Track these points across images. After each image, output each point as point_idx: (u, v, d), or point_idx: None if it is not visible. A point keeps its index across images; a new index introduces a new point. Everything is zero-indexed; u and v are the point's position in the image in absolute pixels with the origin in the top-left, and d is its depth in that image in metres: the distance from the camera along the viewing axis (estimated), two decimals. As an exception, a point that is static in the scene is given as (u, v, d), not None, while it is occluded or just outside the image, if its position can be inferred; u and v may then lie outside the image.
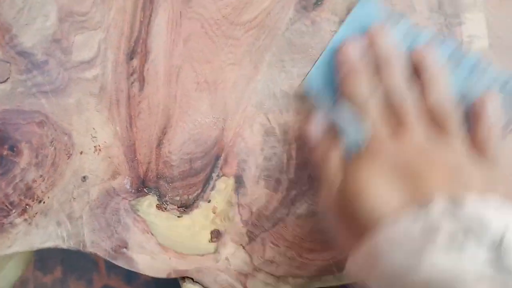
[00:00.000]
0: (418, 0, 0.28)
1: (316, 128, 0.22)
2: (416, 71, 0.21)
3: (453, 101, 0.20)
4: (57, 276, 0.95)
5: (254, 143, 0.25)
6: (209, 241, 0.24)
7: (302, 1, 0.26)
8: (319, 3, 0.26)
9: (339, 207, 0.20)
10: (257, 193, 0.24)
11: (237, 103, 0.25)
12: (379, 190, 0.19)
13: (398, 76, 0.20)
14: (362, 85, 0.21)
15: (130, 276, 0.94)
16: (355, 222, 0.19)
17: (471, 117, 0.20)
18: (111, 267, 0.97)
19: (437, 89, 0.20)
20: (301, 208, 0.25)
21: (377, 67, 0.21)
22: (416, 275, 0.16)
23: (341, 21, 0.28)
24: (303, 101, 0.26)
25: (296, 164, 0.25)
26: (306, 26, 0.26)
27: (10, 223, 0.24)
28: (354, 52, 0.21)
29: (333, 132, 0.22)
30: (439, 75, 0.20)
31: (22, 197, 0.24)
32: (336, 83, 0.22)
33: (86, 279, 0.96)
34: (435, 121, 0.20)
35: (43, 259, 0.98)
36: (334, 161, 0.21)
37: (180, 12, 0.25)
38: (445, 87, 0.20)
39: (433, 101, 0.20)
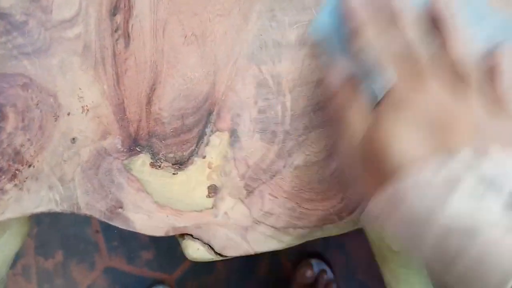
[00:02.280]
0: None
1: (335, 76, 0.24)
2: (435, 23, 0.20)
3: (475, 55, 0.22)
4: (58, 260, 0.95)
5: (247, 96, 0.25)
6: (207, 197, 0.24)
7: None
8: None
9: (364, 153, 0.22)
10: (253, 146, 0.24)
11: (228, 55, 0.25)
12: (406, 138, 0.20)
13: (416, 27, 0.22)
14: (379, 36, 0.22)
15: (131, 256, 0.95)
16: (380, 168, 0.20)
17: (492, 71, 0.19)
18: (112, 249, 0.98)
19: (457, 42, 0.21)
20: (298, 159, 0.25)
21: (392, 17, 0.22)
22: (435, 221, 0.18)
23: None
24: (311, 48, 0.25)
25: (291, 115, 0.25)
26: (296, -28, 0.25)
27: (1, 189, 0.24)
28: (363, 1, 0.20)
29: (352, 80, 0.23)
30: (459, 27, 0.20)
31: (11, 162, 0.24)
32: (346, 30, 0.21)
33: (88, 261, 0.96)
34: (456, 74, 0.21)
35: (43, 244, 0.98)
36: (356, 109, 0.22)
37: (163, -38, 0.24)
38: (466, 39, 0.20)
39: (454, 54, 0.21)
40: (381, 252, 0.43)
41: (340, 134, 0.23)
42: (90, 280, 0.88)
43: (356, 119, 0.22)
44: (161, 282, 0.89)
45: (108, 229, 0.87)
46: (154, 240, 0.87)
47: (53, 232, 0.89)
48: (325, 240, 0.91)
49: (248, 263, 0.88)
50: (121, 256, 0.90)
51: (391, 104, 0.21)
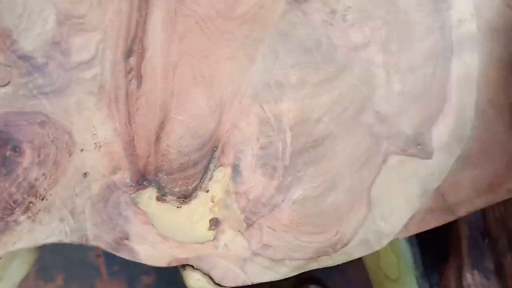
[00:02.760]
0: (406, -13, 0.29)
1: None
2: None
3: None
4: (59, 284, 0.95)
5: (250, 133, 0.26)
6: (208, 229, 0.26)
7: (292, -6, 0.28)
8: (309, -5, 0.28)
9: None
10: (254, 180, 0.26)
11: (233, 95, 0.27)
12: None
13: None
14: None
15: (132, 281, 0.95)
16: None
17: None
18: (113, 273, 0.98)
19: None
20: (297, 193, 0.26)
21: None
22: None
23: (332, 11, 0.29)
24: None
25: (291, 152, 0.27)
26: (297, 17, 0.28)
27: (15, 221, 0.25)
28: None
29: None
30: None
31: (26, 196, 0.25)
32: None
33: (88, 286, 0.96)
34: None
35: (45, 268, 0.98)
36: None
37: (175, 9, 0.27)
38: None
39: None
40: (377, 279, 0.43)
41: None
42: (90, 305, 0.88)
43: None
44: (160, 308, 0.88)
45: (109, 254, 0.88)
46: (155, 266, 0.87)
47: (55, 256, 0.89)
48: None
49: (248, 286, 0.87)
50: (121, 281, 0.90)
51: None
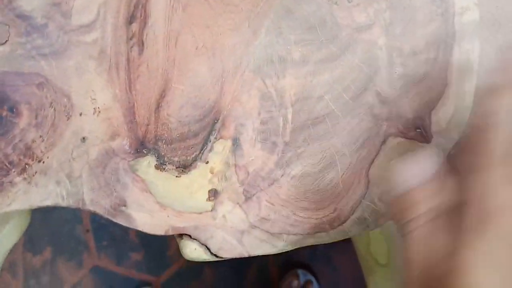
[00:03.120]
0: (412, -30, 0.29)
1: (412, 174, 0.20)
2: None
3: None
4: (46, 257, 0.95)
5: (251, 107, 0.26)
6: (207, 200, 0.26)
7: (300, -31, 0.27)
8: (316, -29, 0.27)
9: None
10: (254, 154, 0.26)
11: (235, 67, 0.26)
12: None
13: None
14: None
15: (120, 257, 0.95)
16: None
17: None
18: (101, 248, 0.99)
19: None
20: (296, 169, 0.26)
21: None
22: None
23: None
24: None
25: (291, 128, 0.27)
26: (303, -6, 0.27)
27: (10, 182, 0.25)
28: None
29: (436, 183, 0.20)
30: None
31: (22, 157, 0.25)
32: None
33: (76, 260, 0.97)
34: None
35: (32, 240, 0.98)
36: (425, 226, 0.18)
37: (180, -23, 0.26)
38: None
39: None
40: (367, 264, 0.44)
41: (398, 244, 0.20)
42: (77, 278, 0.88)
43: (424, 241, 0.18)
44: (147, 284, 0.89)
45: (98, 229, 0.88)
46: (144, 242, 0.88)
47: (44, 229, 0.89)
48: (313, 251, 0.92)
49: (236, 270, 0.89)
50: (110, 256, 0.90)
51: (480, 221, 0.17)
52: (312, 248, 0.91)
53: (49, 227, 0.89)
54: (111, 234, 0.87)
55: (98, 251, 0.89)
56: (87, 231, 0.89)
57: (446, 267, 0.17)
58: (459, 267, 0.17)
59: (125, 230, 0.86)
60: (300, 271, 0.91)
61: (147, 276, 0.88)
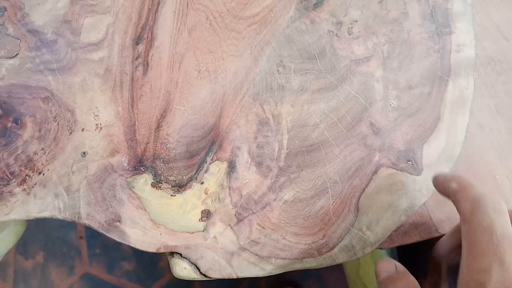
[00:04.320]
0: (411, 7, 0.30)
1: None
2: None
3: None
4: (38, 261, 0.95)
5: (248, 131, 0.27)
6: (199, 220, 0.26)
7: (303, 1, 0.29)
8: (319, 3, 0.28)
9: None
10: (248, 177, 0.26)
11: (235, 92, 0.27)
12: None
13: None
14: None
15: (112, 265, 0.95)
16: None
17: None
18: (94, 256, 0.99)
19: None
20: (288, 194, 0.27)
21: None
22: None
23: (338, 23, 0.30)
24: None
25: (286, 153, 0.27)
26: (305, 25, 0.29)
27: (10, 192, 0.25)
28: None
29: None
30: None
31: (23, 168, 0.26)
32: None
33: (68, 266, 0.96)
34: None
35: (26, 243, 0.98)
36: None
37: (187, 2, 0.27)
38: None
39: None
40: (356, 287, 0.44)
41: None
42: (67, 284, 0.88)
43: None
44: (137, 295, 0.89)
45: (92, 236, 0.88)
46: (136, 252, 0.87)
47: (38, 233, 0.89)
48: (304, 270, 0.92)
49: (226, 286, 0.88)
50: (101, 264, 0.90)
51: None
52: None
53: (43, 231, 0.89)
54: (104, 242, 0.87)
55: (90, 259, 0.88)
56: (81, 237, 0.89)
57: None
58: None
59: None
60: (291, 289, 0.90)
61: (137, 286, 0.88)
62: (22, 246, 0.88)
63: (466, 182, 0.23)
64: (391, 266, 0.24)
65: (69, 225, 0.88)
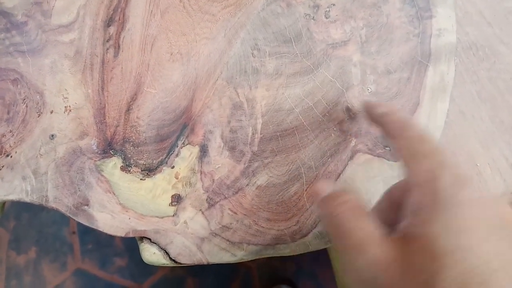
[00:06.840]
0: (391, -8, 0.29)
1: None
2: None
3: None
4: (31, 257, 0.95)
5: (221, 115, 0.26)
6: (169, 205, 0.25)
7: (279, -16, 0.28)
8: (296, -13, 0.28)
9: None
10: (220, 162, 0.25)
11: (209, 75, 0.26)
12: None
13: None
14: None
15: (104, 261, 0.94)
16: None
17: None
18: (86, 251, 0.98)
19: None
20: (261, 179, 0.26)
21: None
22: None
23: (315, 6, 0.29)
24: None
25: (260, 138, 0.26)
26: (281, 8, 0.28)
27: (-24, 174, 0.24)
28: None
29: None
30: None
31: (-10, 151, 0.24)
32: None
33: (60, 261, 0.96)
34: None
35: (18, 239, 0.97)
36: (365, 233, 0.19)
37: (159, -16, 0.26)
38: None
39: None
40: (342, 282, 0.43)
41: (341, 253, 0.19)
42: (59, 280, 0.87)
43: (362, 249, 0.18)
44: (129, 291, 0.88)
45: (85, 232, 0.87)
46: (129, 248, 0.86)
47: (30, 229, 0.88)
48: (298, 268, 0.91)
49: (220, 284, 0.87)
50: (94, 260, 0.89)
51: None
52: (297, 263, 0.90)
53: (36, 227, 0.88)
54: (97, 238, 0.86)
55: (82, 254, 0.87)
56: (73, 233, 0.88)
57: None
58: None
59: (111, 234, 0.85)
60: (284, 287, 0.89)
61: (130, 283, 0.87)
62: (15, 241, 0.87)
63: (393, 106, 0.24)
64: (329, 185, 0.22)
65: (61, 221, 0.87)
